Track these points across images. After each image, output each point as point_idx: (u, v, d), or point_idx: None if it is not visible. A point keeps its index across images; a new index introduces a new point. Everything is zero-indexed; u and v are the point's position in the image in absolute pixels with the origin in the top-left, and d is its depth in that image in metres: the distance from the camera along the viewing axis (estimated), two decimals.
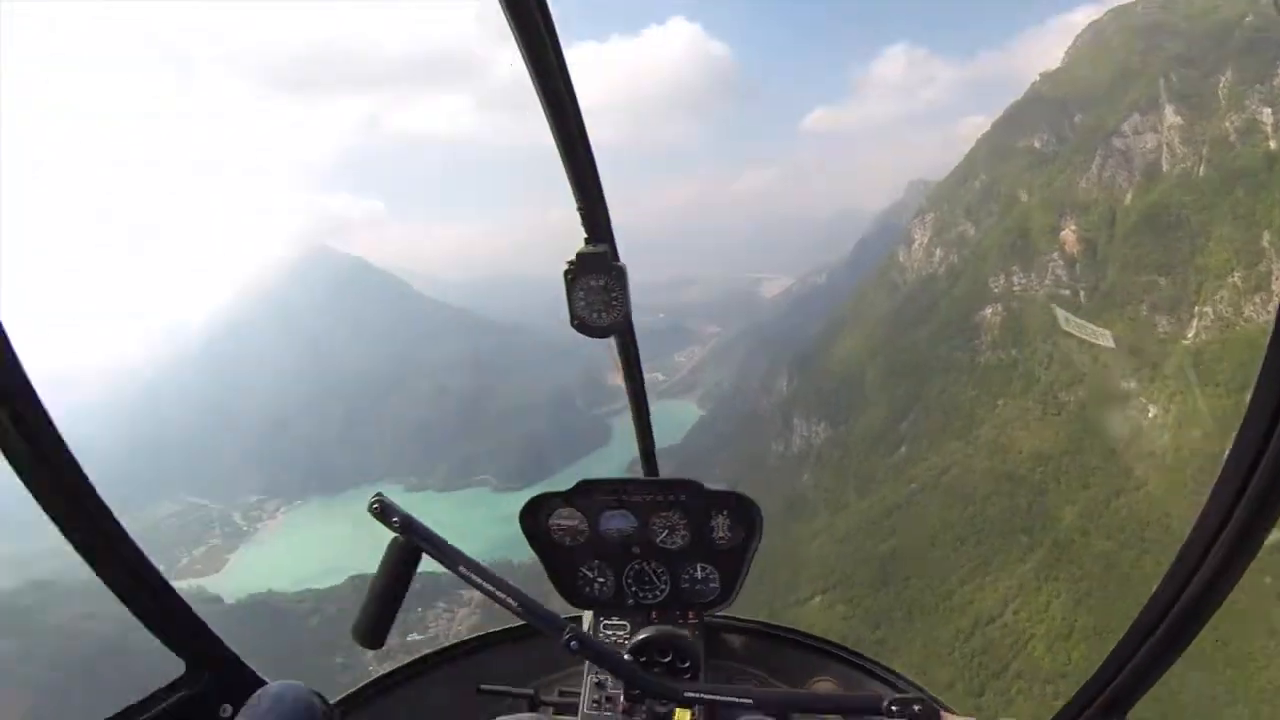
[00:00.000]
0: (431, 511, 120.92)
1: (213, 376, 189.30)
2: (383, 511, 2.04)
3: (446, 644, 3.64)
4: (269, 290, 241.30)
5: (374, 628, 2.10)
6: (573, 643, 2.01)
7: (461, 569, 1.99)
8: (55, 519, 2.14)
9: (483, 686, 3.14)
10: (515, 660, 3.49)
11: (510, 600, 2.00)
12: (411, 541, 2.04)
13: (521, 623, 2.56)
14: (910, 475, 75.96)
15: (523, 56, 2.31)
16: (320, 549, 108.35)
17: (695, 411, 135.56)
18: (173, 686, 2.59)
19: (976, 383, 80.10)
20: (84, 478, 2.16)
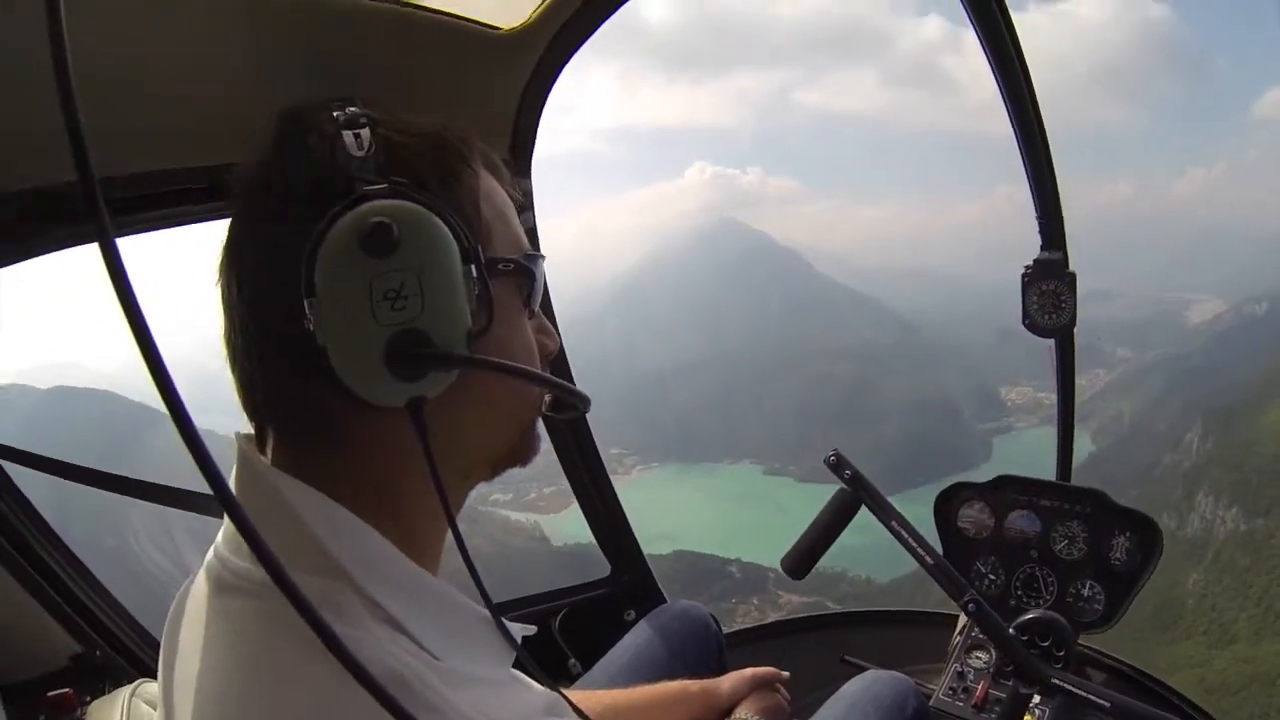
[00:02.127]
0: (778, 498, 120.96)
1: (611, 333, 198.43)
2: (838, 464, 2.33)
3: (815, 614, 3.95)
4: (674, 258, 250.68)
5: (803, 561, 2.39)
6: (970, 605, 2.21)
7: (893, 524, 2.23)
8: (552, 434, 2.93)
9: (845, 657, 3.23)
10: (876, 642, 3.58)
11: (927, 558, 2.23)
12: (856, 494, 2.33)
13: (885, 609, 3.81)
14: None
15: (983, 48, 2.64)
16: (660, 515, 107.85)
17: (1087, 445, 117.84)
18: (598, 583, 3.29)
19: None
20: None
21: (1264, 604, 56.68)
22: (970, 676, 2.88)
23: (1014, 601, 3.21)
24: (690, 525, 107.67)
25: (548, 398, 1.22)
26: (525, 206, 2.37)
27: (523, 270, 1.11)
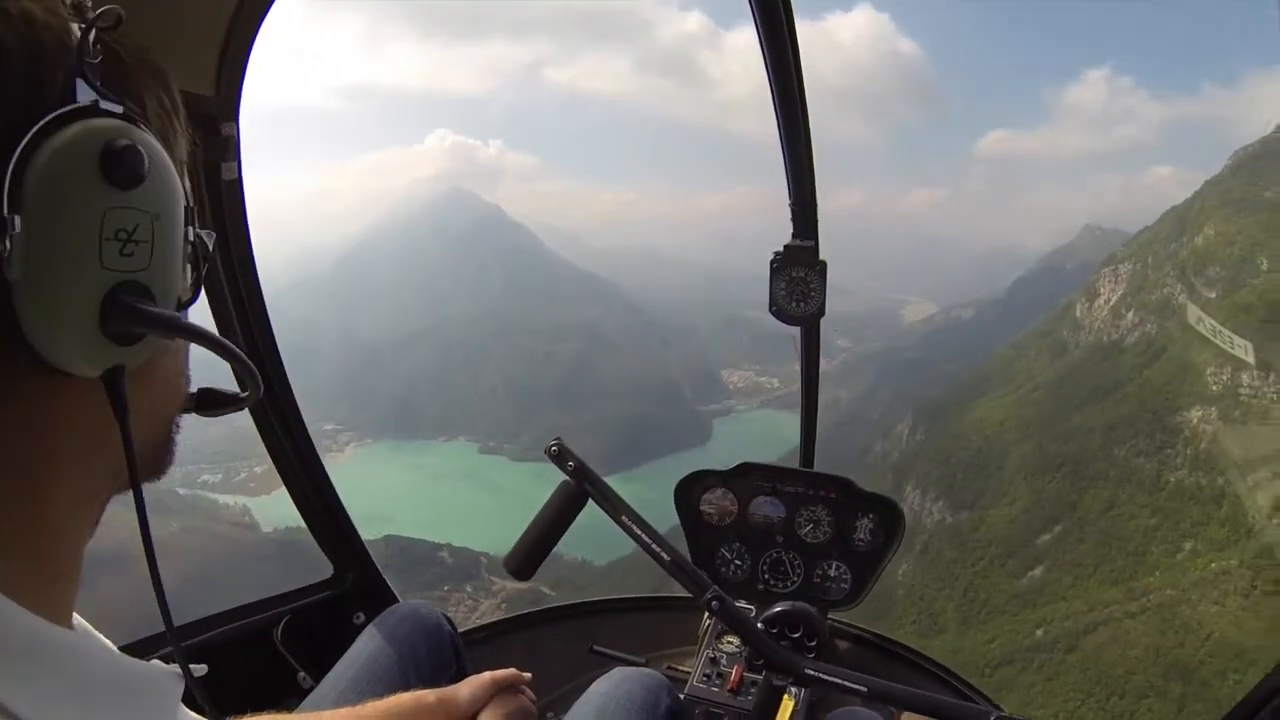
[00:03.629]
0: (493, 478, 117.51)
1: (330, 298, 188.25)
2: (559, 454, 2.22)
3: (562, 603, 3.81)
4: (403, 225, 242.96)
5: (527, 562, 2.29)
6: (714, 602, 2.17)
7: (623, 519, 2.17)
8: (257, 420, 2.77)
9: (595, 647, 3.22)
10: (627, 630, 3.58)
11: (664, 555, 2.16)
12: (581, 486, 2.22)
13: (635, 595, 3.77)
14: (1039, 616, 52.98)
15: (760, 43, 2.73)
16: (373, 495, 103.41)
17: None
18: (319, 586, 3.03)
19: (1159, 509, 54.04)
20: (290, 391, 2.78)
21: (969, 595, 57.35)
22: (723, 661, 2.96)
23: (762, 585, 3.32)
24: (403, 507, 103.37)
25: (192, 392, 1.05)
26: (228, 156, 2.35)
27: (203, 246, 0.95)
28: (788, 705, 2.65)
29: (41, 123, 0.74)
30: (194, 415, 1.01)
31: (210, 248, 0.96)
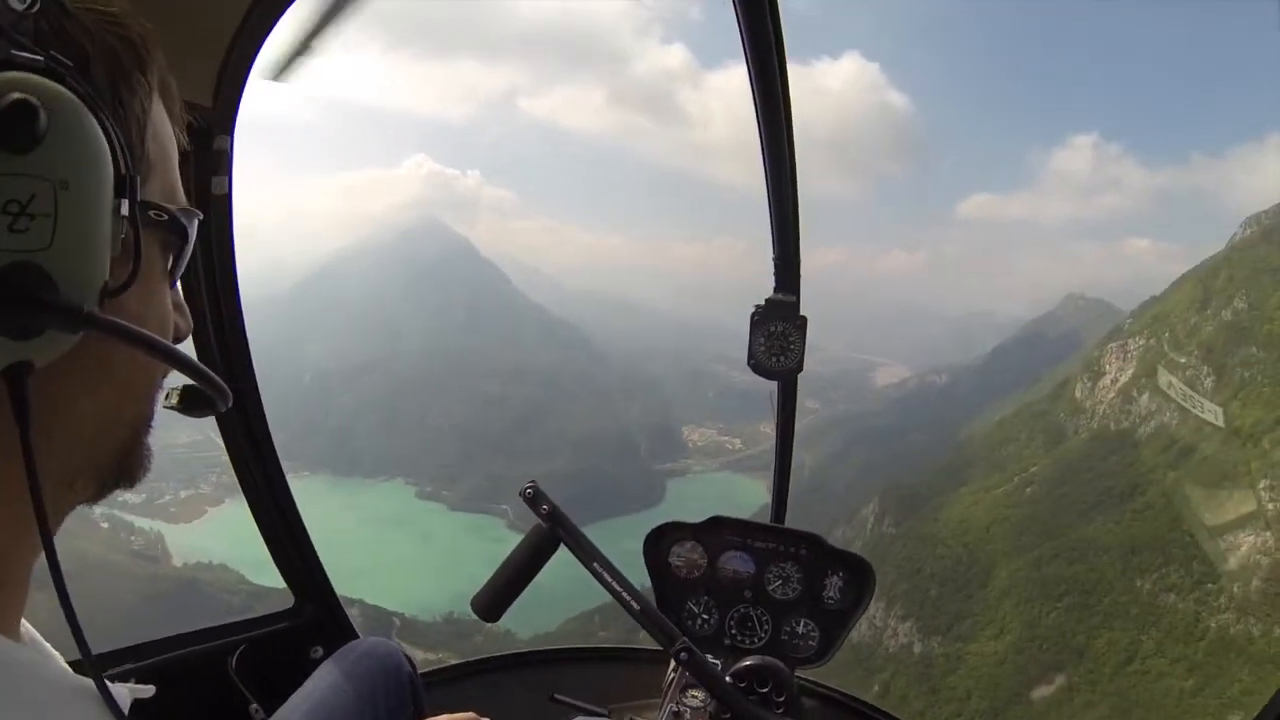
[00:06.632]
0: (426, 526, 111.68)
1: (286, 320, 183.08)
2: (534, 498, 2.27)
3: (524, 650, 3.78)
4: (371, 251, 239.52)
5: (495, 603, 2.31)
6: (683, 654, 2.22)
7: (595, 565, 2.22)
8: (227, 439, 2.70)
9: (556, 696, 3.16)
10: (589, 680, 3.48)
11: (634, 604, 2.22)
12: (555, 531, 2.27)
13: (596, 646, 3.72)
14: None
15: (751, 83, 2.71)
16: None
17: (763, 497, 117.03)
18: (278, 616, 3.01)
19: (1196, 666, 41.60)
20: (263, 413, 2.74)
21: None
22: (686, 716, 2.82)
23: (729, 641, 3.21)
24: (325, 551, 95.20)
25: (171, 393, 0.95)
26: (220, 169, 2.32)
27: (176, 227, 0.86)
28: None
29: None
30: None
31: (187, 227, 0.88)
